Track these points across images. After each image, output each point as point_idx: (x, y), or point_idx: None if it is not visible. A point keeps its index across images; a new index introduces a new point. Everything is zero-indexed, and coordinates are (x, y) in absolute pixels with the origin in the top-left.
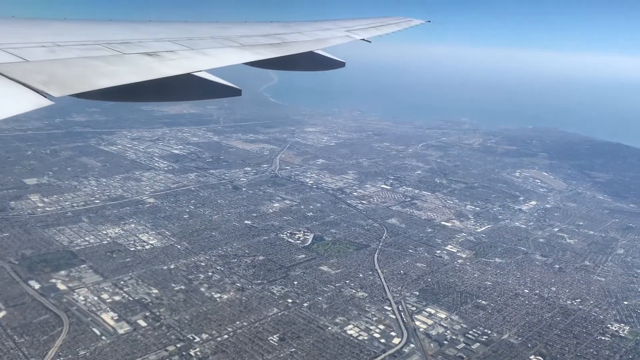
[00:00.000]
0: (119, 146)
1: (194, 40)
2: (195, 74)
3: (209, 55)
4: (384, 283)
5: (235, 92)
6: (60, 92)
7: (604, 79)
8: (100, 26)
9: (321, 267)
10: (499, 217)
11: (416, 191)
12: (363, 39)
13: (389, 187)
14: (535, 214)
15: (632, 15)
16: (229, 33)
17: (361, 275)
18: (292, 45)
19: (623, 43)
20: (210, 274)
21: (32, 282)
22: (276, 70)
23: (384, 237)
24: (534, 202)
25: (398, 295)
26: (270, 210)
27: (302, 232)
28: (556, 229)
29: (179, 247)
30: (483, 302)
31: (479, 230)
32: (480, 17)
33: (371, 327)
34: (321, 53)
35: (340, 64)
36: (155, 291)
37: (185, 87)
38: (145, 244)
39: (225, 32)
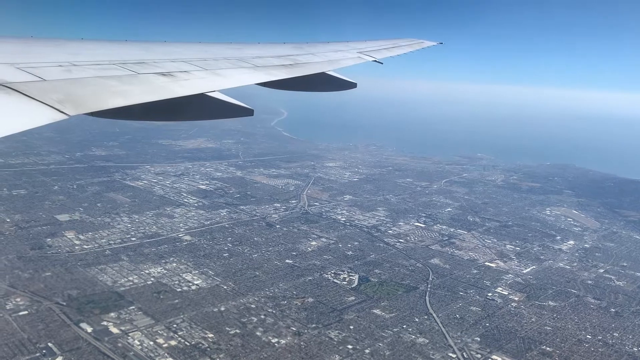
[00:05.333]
0: (145, 181)
1: (207, 60)
2: (208, 94)
3: (222, 75)
4: (442, 328)
5: (248, 112)
6: (75, 111)
7: (613, 115)
8: (115, 46)
9: (374, 311)
10: (541, 257)
11: (451, 229)
12: (375, 60)
13: (423, 225)
14: (577, 254)
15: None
16: (243, 54)
17: (417, 320)
18: (305, 66)
19: (628, 80)
20: (262, 316)
21: (84, 325)
22: (288, 90)
23: (430, 279)
24: (572, 242)
25: (459, 341)
26: (309, 248)
27: (346, 273)
28: (601, 270)
29: (225, 287)
30: (548, 348)
31: (524, 272)
32: (488, 54)
33: None
34: (333, 74)
35: (352, 85)
36: (211, 335)
37: (198, 107)
38: (190, 284)
39: (238, 53)
